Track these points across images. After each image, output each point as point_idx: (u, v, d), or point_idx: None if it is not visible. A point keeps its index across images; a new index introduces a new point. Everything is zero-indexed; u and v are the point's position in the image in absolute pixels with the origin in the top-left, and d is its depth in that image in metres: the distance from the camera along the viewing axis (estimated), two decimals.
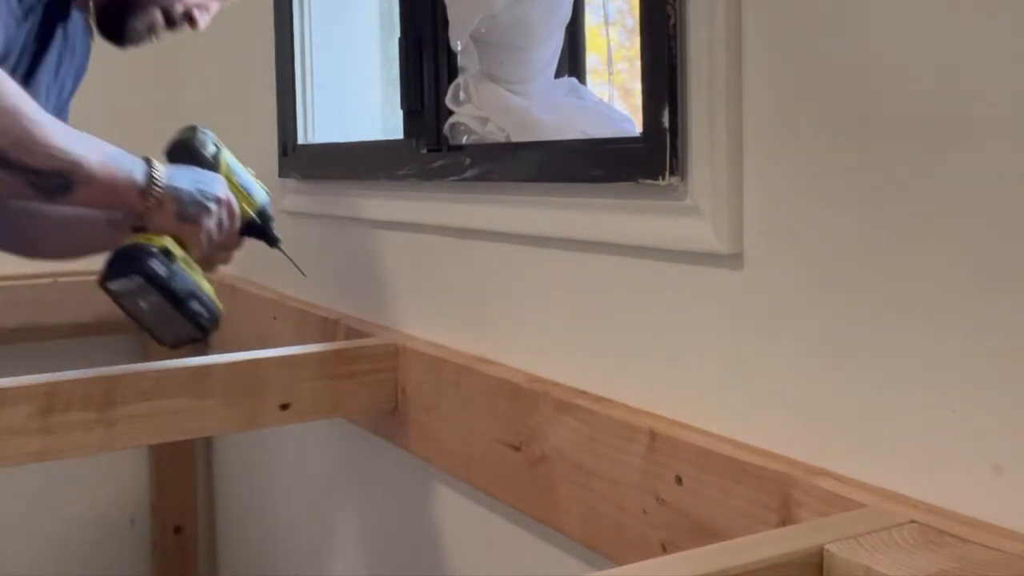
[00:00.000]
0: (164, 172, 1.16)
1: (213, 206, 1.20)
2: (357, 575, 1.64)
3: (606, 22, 1.43)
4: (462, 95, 1.31)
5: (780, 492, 0.81)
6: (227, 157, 1.28)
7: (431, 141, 1.33)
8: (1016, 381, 0.68)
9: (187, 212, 1.17)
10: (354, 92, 1.77)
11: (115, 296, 1.17)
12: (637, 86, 0.96)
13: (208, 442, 2.35)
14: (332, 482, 1.71)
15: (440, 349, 1.31)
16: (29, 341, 1.89)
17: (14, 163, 1.01)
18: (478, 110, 1.29)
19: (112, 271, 1.16)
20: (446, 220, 1.30)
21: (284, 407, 1.29)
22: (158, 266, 1.16)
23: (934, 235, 0.72)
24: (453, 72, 1.34)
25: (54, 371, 1.18)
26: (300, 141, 1.74)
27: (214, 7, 1.30)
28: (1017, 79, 0.66)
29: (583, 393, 1.06)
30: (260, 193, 1.31)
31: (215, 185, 1.21)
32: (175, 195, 1.16)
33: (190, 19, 1.26)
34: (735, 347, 0.89)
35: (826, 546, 0.69)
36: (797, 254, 0.83)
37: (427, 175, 1.32)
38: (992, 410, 0.70)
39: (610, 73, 1.44)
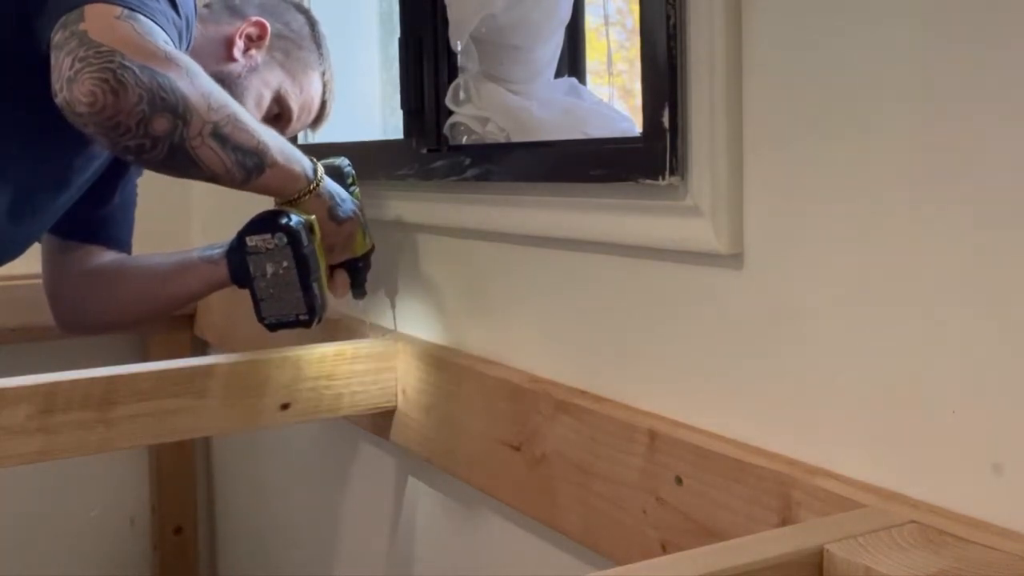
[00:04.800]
0: (321, 171, 1.24)
1: (351, 218, 1.28)
2: (357, 575, 1.65)
3: (606, 22, 1.43)
4: (462, 95, 1.31)
5: (780, 492, 0.81)
6: (358, 193, 1.35)
7: (431, 141, 1.33)
8: (1016, 381, 0.68)
9: (336, 210, 1.25)
10: (354, 92, 1.77)
11: (247, 252, 1.19)
12: (637, 86, 0.96)
13: (208, 442, 2.35)
14: (332, 482, 1.71)
15: (440, 349, 1.31)
16: (29, 341, 1.89)
17: (227, 138, 1.08)
18: (478, 110, 1.29)
19: (257, 226, 1.19)
20: (446, 220, 1.30)
21: (284, 407, 1.29)
22: (305, 235, 1.19)
23: (933, 234, 0.72)
24: (453, 72, 1.33)
25: (54, 371, 1.18)
26: (300, 141, 1.74)
27: None
28: (1010, 82, 0.67)
29: (583, 393, 1.06)
30: (370, 239, 1.34)
31: (351, 204, 1.29)
32: (330, 191, 1.25)
33: None
34: (735, 347, 0.89)
35: (826, 546, 0.69)
36: (797, 254, 0.83)
37: (427, 175, 1.32)
38: (992, 410, 0.70)
39: (610, 73, 1.44)
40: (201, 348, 2.22)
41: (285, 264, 1.19)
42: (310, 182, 1.21)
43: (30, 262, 1.45)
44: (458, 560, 1.35)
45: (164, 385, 1.21)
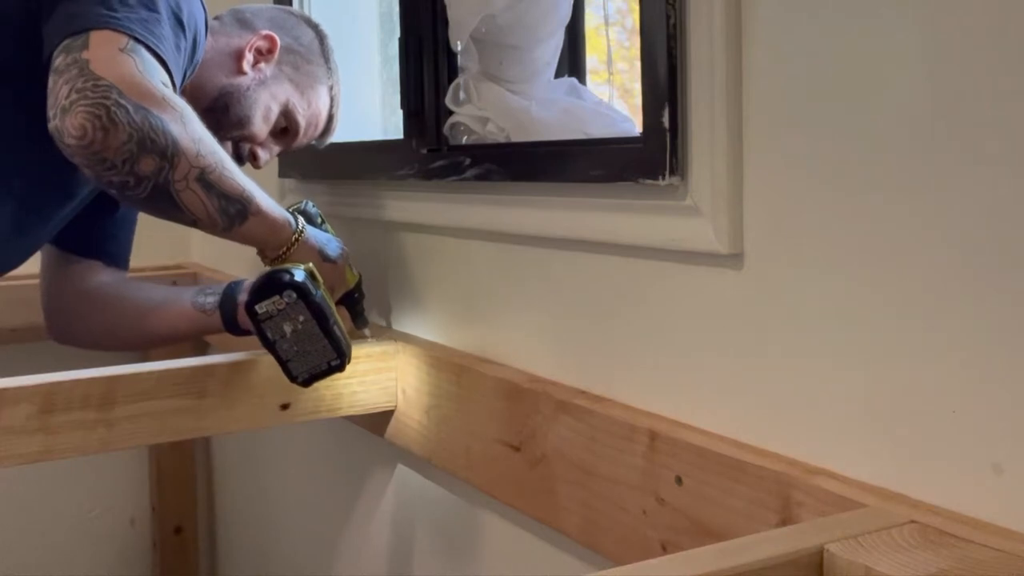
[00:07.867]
0: (302, 220, 1.26)
1: (340, 254, 1.30)
2: (357, 575, 1.64)
3: (606, 22, 1.43)
4: (462, 95, 1.31)
5: (780, 492, 0.81)
6: (331, 230, 1.37)
7: (431, 141, 1.33)
8: (1016, 381, 0.68)
9: (326, 250, 1.27)
10: (354, 92, 1.77)
11: (260, 320, 1.18)
12: (637, 86, 0.96)
13: (208, 442, 2.35)
14: (332, 482, 1.71)
15: (440, 349, 1.31)
16: (29, 341, 1.89)
17: (213, 184, 1.09)
18: (478, 110, 1.29)
19: (262, 292, 1.18)
20: (446, 220, 1.30)
21: (284, 407, 1.29)
22: (311, 284, 1.19)
23: (933, 235, 0.72)
24: (453, 72, 1.33)
25: (54, 371, 1.18)
26: None
27: (275, 150, 1.43)
28: (1010, 82, 0.67)
29: (583, 393, 1.06)
30: (356, 269, 1.35)
31: (335, 241, 1.31)
32: (315, 237, 1.27)
33: (254, 157, 1.39)
34: (735, 347, 0.89)
35: (826, 546, 0.69)
36: (797, 254, 0.83)
37: (427, 175, 1.32)
38: (992, 410, 0.70)
39: (610, 73, 1.44)
40: (201, 348, 2.21)
41: (302, 319, 1.18)
42: (294, 232, 1.22)
43: (30, 263, 1.45)
44: (458, 560, 1.35)
45: (164, 385, 1.21)
